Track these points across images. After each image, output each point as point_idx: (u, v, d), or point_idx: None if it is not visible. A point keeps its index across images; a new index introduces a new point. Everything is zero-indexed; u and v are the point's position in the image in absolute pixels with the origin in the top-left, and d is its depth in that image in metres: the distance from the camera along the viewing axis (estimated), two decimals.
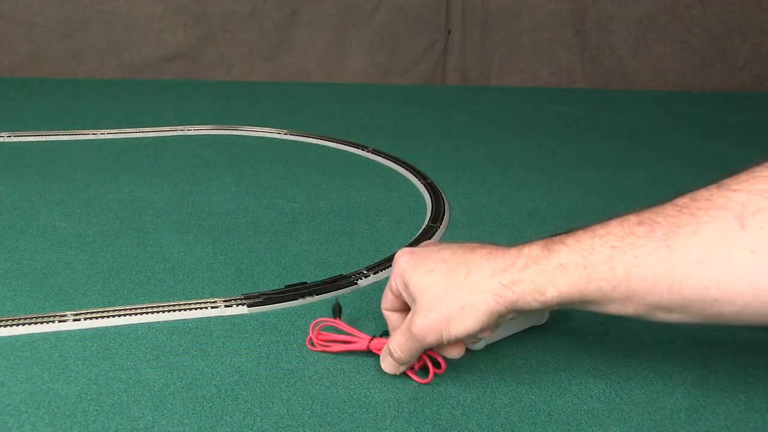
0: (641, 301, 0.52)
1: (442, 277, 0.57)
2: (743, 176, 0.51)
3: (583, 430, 0.57)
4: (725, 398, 0.61)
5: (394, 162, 1.15)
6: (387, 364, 0.61)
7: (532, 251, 0.55)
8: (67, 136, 1.21)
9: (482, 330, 0.56)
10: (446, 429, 0.56)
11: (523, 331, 0.69)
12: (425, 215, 0.96)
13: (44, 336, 0.66)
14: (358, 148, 1.21)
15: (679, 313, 0.52)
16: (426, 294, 0.57)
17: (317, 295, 0.74)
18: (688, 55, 1.90)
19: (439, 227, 0.92)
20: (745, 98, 1.81)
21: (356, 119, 1.43)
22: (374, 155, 1.18)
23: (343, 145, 1.22)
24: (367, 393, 0.60)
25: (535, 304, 0.55)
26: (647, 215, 0.53)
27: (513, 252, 0.56)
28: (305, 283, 0.76)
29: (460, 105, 1.60)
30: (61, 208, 0.94)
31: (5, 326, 0.66)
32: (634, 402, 0.60)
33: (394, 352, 0.59)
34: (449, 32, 1.85)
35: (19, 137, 1.19)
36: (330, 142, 1.23)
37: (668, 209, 0.52)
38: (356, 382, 0.61)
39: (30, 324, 0.67)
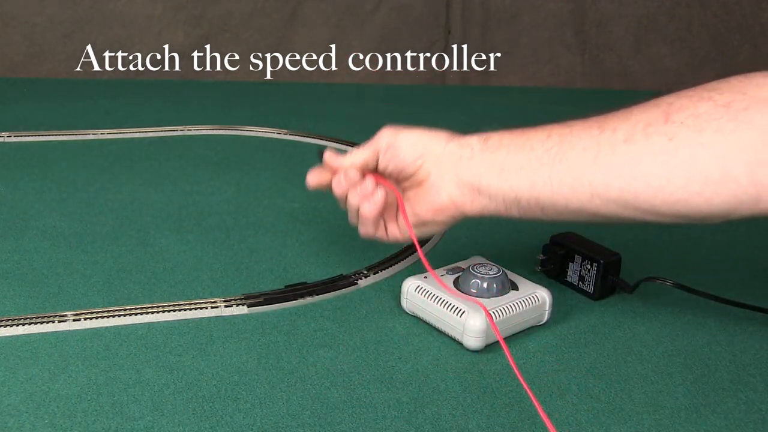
0: (574, 173, 0.57)
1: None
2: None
3: (583, 430, 0.57)
4: (725, 398, 0.61)
5: None
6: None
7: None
8: (67, 136, 1.21)
9: None
10: (446, 429, 0.56)
11: (523, 331, 0.69)
12: None
13: (44, 336, 0.66)
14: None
15: (603, 193, 0.56)
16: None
17: (317, 295, 0.74)
18: (688, 55, 1.90)
19: None
20: None
21: (356, 119, 1.42)
22: None
23: (343, 145, 1.22)
24: (367, 393, 0.60)
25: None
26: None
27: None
28: (305, 283, 0.76)
29: (460, 105, 1.60)
30: (61, 208, 0.94)
31: (5, 326, 0.66)
32: (634, 402, 0.60)
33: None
34: (449, 32, 1.85)
35: (19, 137, 1.19)
36: (330, 142, 1.23)
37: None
38: (356, 382, 0.61)
39: (30, 324, 0.67)
